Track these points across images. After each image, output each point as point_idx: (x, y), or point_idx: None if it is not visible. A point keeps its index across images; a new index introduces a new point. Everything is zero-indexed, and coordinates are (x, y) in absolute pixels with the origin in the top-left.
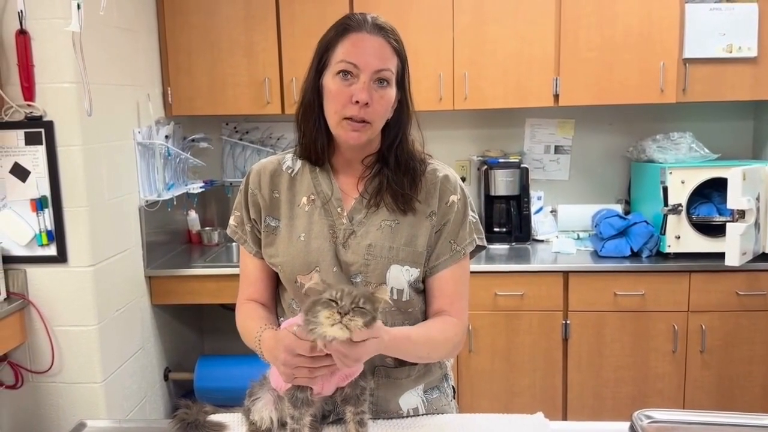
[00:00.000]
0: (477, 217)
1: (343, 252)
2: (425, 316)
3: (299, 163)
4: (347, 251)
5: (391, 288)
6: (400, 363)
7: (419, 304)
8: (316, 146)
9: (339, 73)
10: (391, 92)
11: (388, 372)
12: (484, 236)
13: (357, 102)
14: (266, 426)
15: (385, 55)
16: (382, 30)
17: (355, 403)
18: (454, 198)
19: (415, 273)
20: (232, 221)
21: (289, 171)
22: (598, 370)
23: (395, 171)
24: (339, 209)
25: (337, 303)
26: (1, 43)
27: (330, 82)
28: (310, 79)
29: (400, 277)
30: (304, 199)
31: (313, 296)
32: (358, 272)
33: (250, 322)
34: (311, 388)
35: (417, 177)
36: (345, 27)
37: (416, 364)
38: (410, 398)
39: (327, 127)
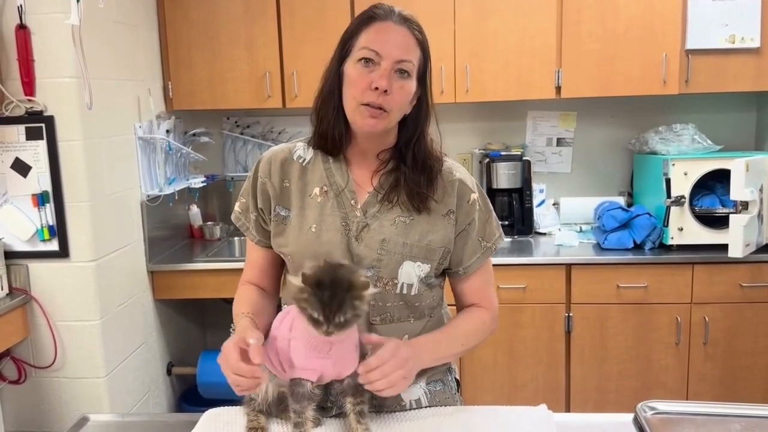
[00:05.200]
0: None
1: (355, 245)
2: (432, 311)
3: (311, 152)
4: (360, 244)
5: (402, 283)
6: None
7: (428, 298)
8: (334, 133)
9: (361, 60)
10: (411, 84)
11: None
12: None
13: (376, 88)
14: (267, 398)
15: (408, 46)
16: (407, 21)
17: (354, 394)
18: (474, 196)
19: (426, 269)
20: (237, 207)
21: (300, 160)
22: (601, 363)
23: (412, 169)
24: (353, 201)
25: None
26: (1, 38)
27: (351, 68)
28: (332, 66)
29: (412, 272)
30: (317, 190)
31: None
32: (371, 266)
33: (239, 305)
34: (311, 381)
35: (434, 176)
36: (371, 15)
37: None
38: (413, 390)
39: (345, 116)
